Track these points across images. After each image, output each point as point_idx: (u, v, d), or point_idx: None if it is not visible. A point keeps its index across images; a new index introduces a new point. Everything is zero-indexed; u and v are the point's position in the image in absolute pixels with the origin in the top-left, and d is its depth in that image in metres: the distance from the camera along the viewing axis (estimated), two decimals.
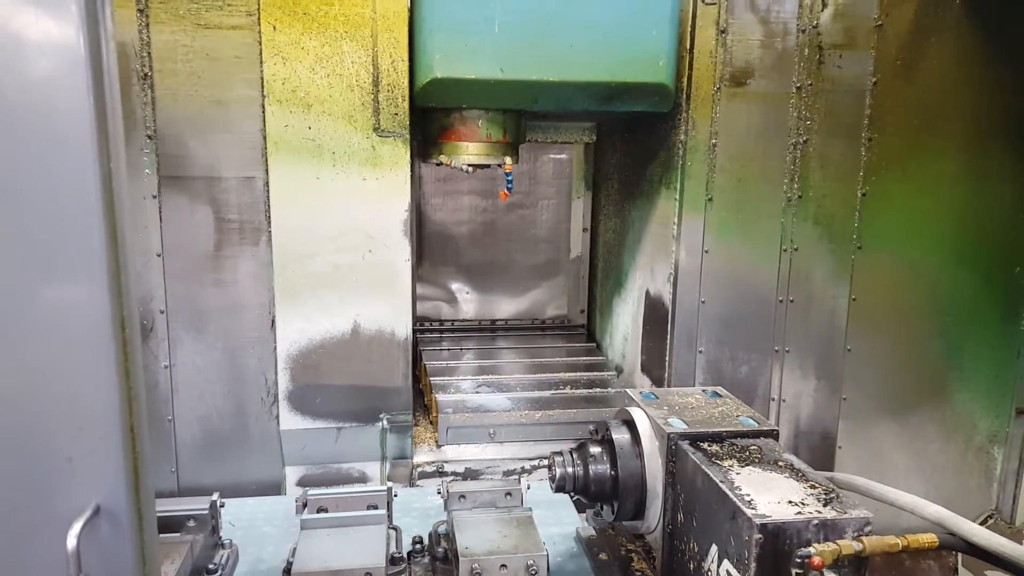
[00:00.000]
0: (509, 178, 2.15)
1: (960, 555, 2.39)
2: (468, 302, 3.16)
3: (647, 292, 2.54)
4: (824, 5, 2.17)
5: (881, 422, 2.37)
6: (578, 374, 2.63)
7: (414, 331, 2.60)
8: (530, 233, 3.17)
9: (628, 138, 2.68)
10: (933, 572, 2.45)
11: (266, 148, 1.95)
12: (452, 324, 3.14)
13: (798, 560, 1.26)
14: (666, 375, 2.37)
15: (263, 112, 1.94)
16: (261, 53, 1.90)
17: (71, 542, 0.81)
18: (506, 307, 3.21)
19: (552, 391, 2.45)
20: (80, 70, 0.80)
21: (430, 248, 3.06)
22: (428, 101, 1.97)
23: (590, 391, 2.47)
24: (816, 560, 1.24)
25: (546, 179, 3.14)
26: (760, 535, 1.27)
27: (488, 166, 2.16)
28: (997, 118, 2.27)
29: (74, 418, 0.84)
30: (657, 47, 1.97)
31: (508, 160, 2.13)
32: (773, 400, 2.37)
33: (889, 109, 2.19)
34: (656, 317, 2.45)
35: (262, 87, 1.91)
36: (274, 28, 1.87)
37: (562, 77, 1.91)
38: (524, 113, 2.20)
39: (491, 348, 2.92)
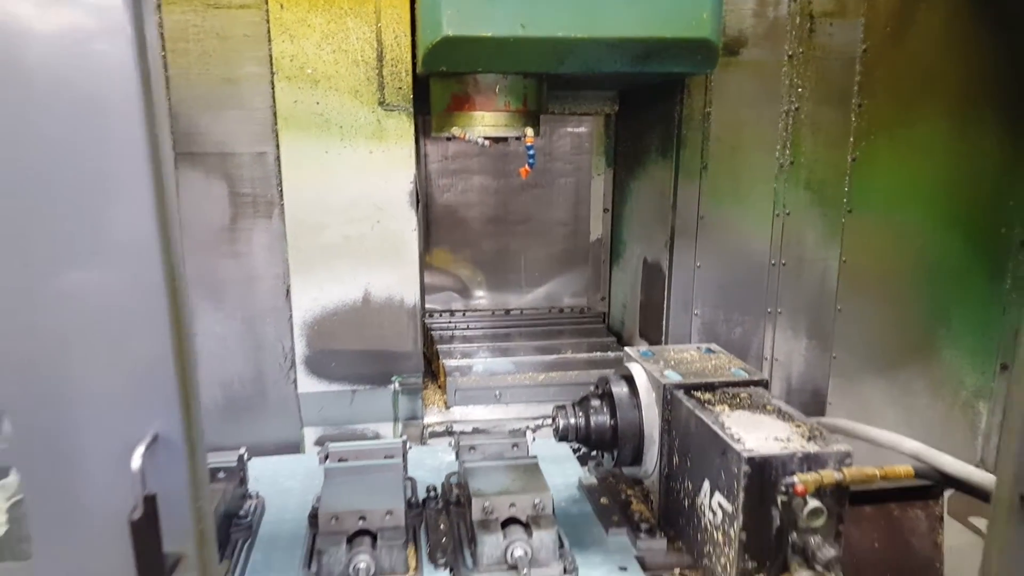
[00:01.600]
0: (531, 152, 1.95)
1: (946, 504, 2.51)
2: (478, 291, 2.99)
3: (645, 259, 2.63)
4: None
5: (870, 379, 2.48)
6: (579, 339, 2.73)
7: (422, 322, 2.53)
8: (546, 215, 2.97)
9: (628, 110, 2.75)
10: (920, 520, 2.57)
11: (276, 124, 2.03)
12: (464, 314, 2.99)
13: (783, 489, 1.38)
14: (663, 338, 2.47)
15: (272, 89, 2.02)
16: (269, 31, 1.98)
17: (136, 463, 0.92)
18: (520, 295, 3.03)
19: (556, 356, 2.55)
20: (126, 33, 0.88)
21: (437, 232, 2.90)
22: (438, 65, 1.81)
23: (590, 355, 2.58)
24: (799, 488, 1.35)
25: (563, 155, 2.93)
26: (748, 467, 1.38)
27: (506, 139, 2.00)
28: (983, 84, 2.33)
29: (134, 356, 0.94)
30: None
31: (529, 131, 1.94)
32: (766, 359, 2.48)
33: (879, 76, 2.26)
34: (654, 283, 2.55)
35: (271, 64, 1.99)
36: (281, 6, 1.94)
37: (592, 33, 1.71)
38: (546, 78, 2.02)
39: (504, 342, 2.74)
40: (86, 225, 0.91)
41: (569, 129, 2.91)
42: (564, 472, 2.08)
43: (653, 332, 2.57)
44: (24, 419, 0.95)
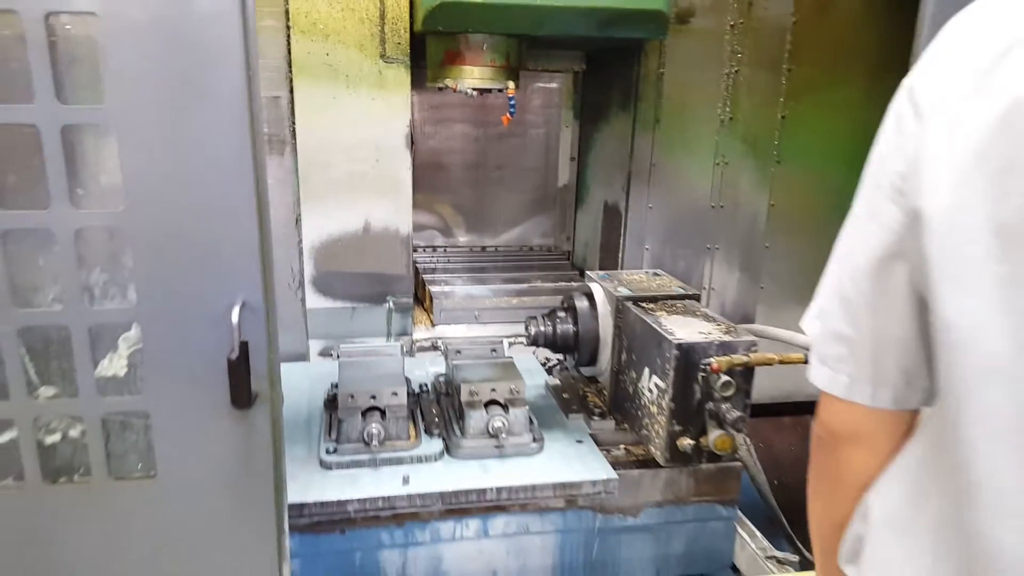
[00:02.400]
0: (512, 102, 2.27)
1: None
2: (458, 230, 3.31)
3: (605, 202, 3.02)
4: None
5: (792, 306, 2.92)
6: (547, 272, 3.12)
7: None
8: (519, 162, 3.27)
9: (593, 69, 3.09)
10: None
11: (290, 72, 2.32)
12: (445, 250, 3.30)
13: (702, 367, 1.80)
14: (619, 269, 2.87)
15: (287, 41, 2.30)
16: None
17: (235, 318, 1.26)
18: (495, 235, 3.34)
19: (527, 284, 2.94)
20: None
21: (422, 176, 3.11)
22: (434, 25, 2.08)
23: (556, 284, 2.97)
24: (715, 366, 1.77)
25: (535, 109, 3.24)
26: (677, 351, 1.79)
27: (491, 90, 2.30)
28: (893, 55, 2.72)
29: (231, 241, 1.28)
30: None
31: (511, 84, 2.26)
32: (705, 289, 2.90)
33: (806, 45, 2.63)
34: (612, 222, 2.94)
35: (286, 19, 2.27)
36: None
37: (565, 2, 2.02)
38: (523, 39, 2.31)
39: (481, 273, 3.05)
40: (202, 138, 1.23)
41: (541, 85, 3.23)
42: (534, 379, 2.46)
43: (610, 266, 2.97)
44: (146, 287, 1.28)
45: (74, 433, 1.32)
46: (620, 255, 2.86)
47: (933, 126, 0.76)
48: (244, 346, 1.29)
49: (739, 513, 2.16)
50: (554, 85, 3.23)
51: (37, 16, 1.10)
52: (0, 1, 1.08)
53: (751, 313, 2.92)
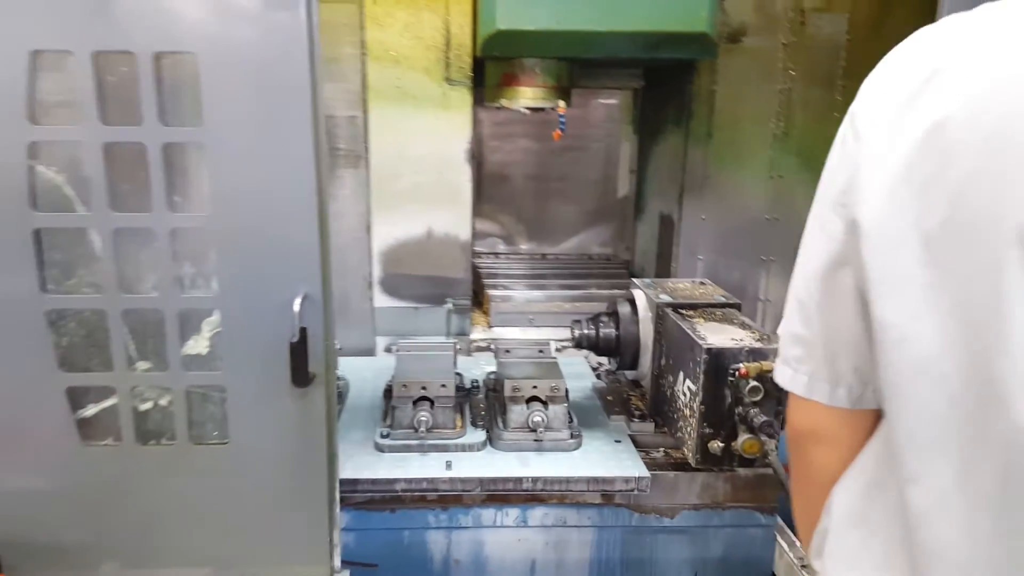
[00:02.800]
0: (562, 119, 2.46)
1: None
2: (520, 238, 3.49)
3: (660, 213, 3.10)
4: None
5: None
6: (604, 280, 3.23)
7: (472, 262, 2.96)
8: (580, 174, 3.43)
9: (650, 86, 3.19)
10: None
11: (364, 94, 2.57)
12: (507, 257, 3.48)
13: (732, 371, 1.87)
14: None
15: (363, 66, 2.55)
16: (362, 21, 2.51)
17: (296, 307, 1.48)
18: (555, 244, 3.50)
19: (580, 291, 3.07)
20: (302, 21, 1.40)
21: (488, 187, 3.34)
22: (492, 51, 2.28)
23: (612, 292, 3.07)
24: (743, 371, 1.84)
25: (596, 123, 3.39)
26: (706, 355, 1.87)
27: (543, 109, 2.49)
28: None
29: (295, 242, 1.49)
30: None
31: (561, 103, 2.45)
32: (761, 300, 2.93)
33: (860, 62, 2.63)
34: (666, 233, 3.02)
35: (362, 47, 2.53)
36: (374, 2, 2.47)
37: (611, 27, 2.12)
38: (574, 61, 2.50)
39: (539, 279, 3.20)
40: (274, 154, 1.45)
41: (601, 101, 3.36)
42: (581, 381, 2.57)
43: (666, 275, 3.05)
44: (226, 280, 1.52)
45: (163, 402, 1.57)
46: (672, 263, 2.93)
47: (868, 145, 0.85)
48: (303, 332, 1.50)
49: (780, 521, 2.18)
50: (614, 101, 3.36)
51: (147, 56, 1.35)
52: (120, 43, 1.34)
53: None
